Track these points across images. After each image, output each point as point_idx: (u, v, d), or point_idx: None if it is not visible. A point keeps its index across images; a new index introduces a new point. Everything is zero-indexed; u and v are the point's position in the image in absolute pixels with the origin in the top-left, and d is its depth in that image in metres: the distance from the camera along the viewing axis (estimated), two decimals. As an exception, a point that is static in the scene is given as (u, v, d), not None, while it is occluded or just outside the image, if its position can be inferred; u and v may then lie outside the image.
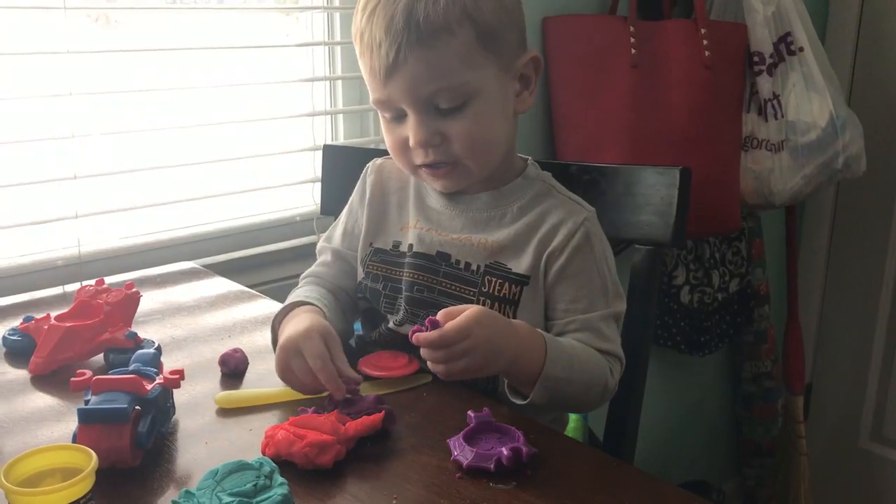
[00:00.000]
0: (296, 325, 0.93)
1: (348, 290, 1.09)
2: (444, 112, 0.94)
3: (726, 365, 2.32)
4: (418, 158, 0.98)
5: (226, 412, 0.90)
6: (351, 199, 1.11)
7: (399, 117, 0.97)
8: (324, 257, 1.12)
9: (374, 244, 1.06)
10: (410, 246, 1.03)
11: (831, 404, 2.44)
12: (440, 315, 0.85)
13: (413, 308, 1.01)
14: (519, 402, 0.91)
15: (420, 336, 0.84)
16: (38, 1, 1.23)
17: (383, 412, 0.82)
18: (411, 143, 0.96)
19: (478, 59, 0.93)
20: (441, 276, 1.00)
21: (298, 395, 0.90)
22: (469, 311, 0.85)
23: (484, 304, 0.97)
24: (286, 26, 1.53)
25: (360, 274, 1.07)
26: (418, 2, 0.90)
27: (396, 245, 1.05)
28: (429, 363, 0.86)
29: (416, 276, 1.01)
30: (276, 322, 0.99)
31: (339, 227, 1.12)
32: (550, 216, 0.99)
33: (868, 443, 2.39)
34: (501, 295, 0.98)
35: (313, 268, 1.11)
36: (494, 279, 0.98)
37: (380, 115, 1.00)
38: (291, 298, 1.03)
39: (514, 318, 0.97)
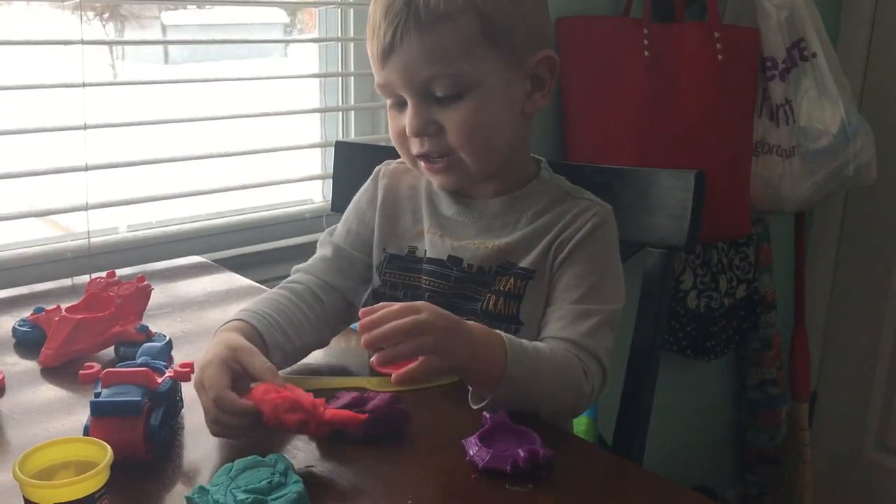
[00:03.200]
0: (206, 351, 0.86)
1: (339, 289, 1.02)
2: (441, 100, 0.93)
3: (731, 371, 2.31)
4: (414, 148, 0.97)
5: (236, 407, 0.89)
6: (357, 199, 1.09)
7: (400, 104, 0.96)
8: (324, 251, 1.06)
9: (388, 250, 1.04)
10: (425, 252, 1.01)
11: (836, 412, 2.43)
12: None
13: None
14: (477, 405, 0.86)
15: (363, 311, 0.80)
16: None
17: (367, 416, 0.80)
18: (407, 130, 0.95)
19: (480, 50, 0.92)
20: (453, 282, 0.99)
21: (311, 387, 0.88)
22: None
23: (491, 300, 0.96)
24: (298, 22, 1.53)
25: (377, 281, 1.03)
26: None
27: (413, 250, 1.02)
28: (374, 356, 0.79)
29: (430, 283, 0.99)
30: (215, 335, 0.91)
31: (343, 226, 1.08)
32: (566, 216, 0.98)
33: (873, 452, 2.37)
34: (507, 290, 0.96)
35: (310, 261, 1.06)
36: (504, 277, 0.97)
37: (386, 103, 0.99)
38: (250, 305, 0.95)
39: (518, 311, 0.96)
